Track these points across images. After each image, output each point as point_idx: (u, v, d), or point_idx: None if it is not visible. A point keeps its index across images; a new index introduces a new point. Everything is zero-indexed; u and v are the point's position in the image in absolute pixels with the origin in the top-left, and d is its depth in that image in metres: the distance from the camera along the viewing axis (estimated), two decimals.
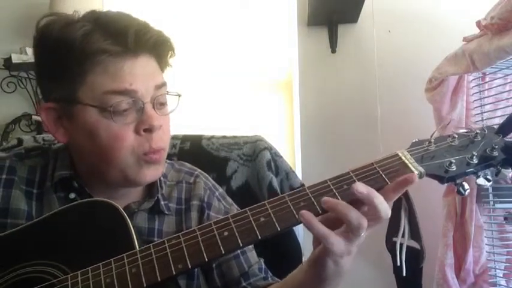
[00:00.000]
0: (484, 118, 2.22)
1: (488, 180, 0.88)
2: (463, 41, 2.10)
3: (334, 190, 0.86)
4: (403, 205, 0.91)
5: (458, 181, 0.88)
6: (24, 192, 1.05)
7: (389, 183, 0.86)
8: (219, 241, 0.85)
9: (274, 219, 0.85)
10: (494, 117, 2.20)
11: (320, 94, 2.77)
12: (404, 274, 0.90)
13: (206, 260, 0.85)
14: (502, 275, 2.15)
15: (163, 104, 1.03)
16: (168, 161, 1.20)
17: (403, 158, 0.89)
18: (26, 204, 1.03)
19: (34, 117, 2.80)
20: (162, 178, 1.13)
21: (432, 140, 0.91)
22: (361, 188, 0.82)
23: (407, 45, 2.74)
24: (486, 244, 2.15)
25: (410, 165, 0.88)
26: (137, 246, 0.90)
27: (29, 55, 2.75)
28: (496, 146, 0.89)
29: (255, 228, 0.85)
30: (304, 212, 0.83)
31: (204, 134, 1.51)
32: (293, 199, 0.86)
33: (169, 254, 0.85)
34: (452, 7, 2.72)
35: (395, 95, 2.70)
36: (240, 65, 2.89)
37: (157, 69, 1.03)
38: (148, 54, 1.00)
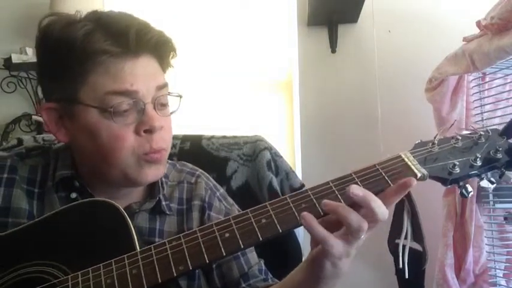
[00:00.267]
0: (484, 118, 2.22)
1: (492, 183, 0.88)
2: (463, 41, 2.10)
3: (336, 192, 0.86)
4: (406, 207, 0.91)
5: (461, 183, 0.88)
6: (26, 191, 1.05)
7: (392, 185, 0.85)
8: (220, 242, 0.85)
9: (275, 221, 0.85)
10: (494, 117, 2.20)
11: (320, 94, 2.77)
12: (407, 276, 0.89)
13: (207, 261, 0.85)
14: (502, 275, 2.15)
15: (164, 105, 1.03)
16: (169, 161, 1.21)
17: (406, 159, 0.89)
18: (27, 203, 1.03)
19: (34, 117, 2.80)
20: (163, 178, 1.13)
21: (435, 142, 0.91)
22: (356, 190, 0.81)
23: (407, 45, 2.73)
24: (486, 244, 2.15)
25: (413, 167, 0.88)
26: (138, 247, 0.90)
27: (29, 55, 2.75)
28: (500, 148, 0.88)
29: (257, 229, 0.85)
30: (305, 213, 0.82)
31: (204, 134, 1.51)
32: (295, 200, 0.86)
33: (170, 255, 0.85)
34: (452, 7, 2.72)
35: (395, 95, 2.69)
36: (240, 65, 2.89)
37: (158, 70, 1.03)
38: (149, 54, 1.00)
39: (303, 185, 1.44)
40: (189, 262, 0.84)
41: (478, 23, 1.97)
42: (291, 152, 2.80)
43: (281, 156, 1.47)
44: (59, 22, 0.97)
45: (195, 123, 2.59)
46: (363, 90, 2.74)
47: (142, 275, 0.84)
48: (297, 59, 2.82)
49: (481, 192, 2.16)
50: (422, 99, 2.36)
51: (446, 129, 0.94)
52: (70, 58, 0.95)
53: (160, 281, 0.83)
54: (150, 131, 0.97)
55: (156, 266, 0.85)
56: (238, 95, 2.88)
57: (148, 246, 0.88)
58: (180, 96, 1.06)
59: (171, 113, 1.06)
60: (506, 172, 0.88)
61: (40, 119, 2.70)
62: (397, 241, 0.93)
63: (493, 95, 2.22)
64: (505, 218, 2.15)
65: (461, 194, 0.87)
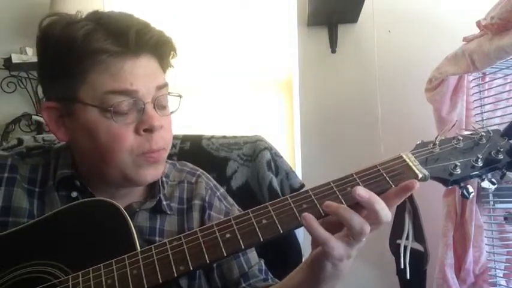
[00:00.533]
0: (484, 118, 2.21)
1: (493, 183, 0.88)
2: (463, 41, 2.10)
3: (337, 192, 0.85)
4: (407, 208, 0.91)
5: (462, 184, 0.88)
6: (26, 190, 1.05)
7: (393, 186, 0.85)
8: (220, 243, 0.85)
9: (276, 222, 0.85)
10: (494, 117, 2.20)
11: (320, 94, 2.77)
12: (408, 277, 0.89)
13: (208, 261, 0.84)
14: (502, 275, 2.15)
15: (164, 105, 1.03)
16: (169, 161, 1.21)
17: (407, 160, 0.89)
18: (27, 202, 1.03)
19: (34, 117, 2.80)
20: (164, 178, 1.14)
21: (437, 142, 0.91)
22: (362, 192, 0.81)
23: (407, 45, 2.73)
24: (486, 244, 2.15)
25: (414, 167, 0.87)
26: (138, 247, 0.90)
27: (29, 55, 2.75)
28: (502, 149, 0.88)
29: (257, 230, 0.85)
30: (305, 214, 0.82)
31: (204, 134, 1.51)
32: (296, 201, 0.86)
33: (170, 256, 0.85)
34: (452, 7, 2.72)
35: (395, 95, 2.69)
36: (240, 65, 2.88)
37: (158, 70, 1.03)
38: (149, 54, 1.00)
39: (303, 185, 1.44)
40: (189, 262, 0.84)
41: (478, 23, 1.96)
42: (291, 152, 2.80)
43: (281, 156, 1.47)
44: (60, 22, 0.98)
45: (195, 123, 2.60)
46: (363, 90, 2.74)
47: (143, 275, 0.84)
48: (297, 59, 2.81)
49: (481, 192, 2.15)
50: (422, 99, 2.36)
51: (448, 130, 0.94)
52: (70, 57, 0.95)
53: (160, 281, 0.83)
54: (149, 131, 0.98)
55: (157, 266, 0.84)
56: (238, 94, 2.88)
57: (148, 247, 0.87)
58: (180, 96, 1.06)
59: (171, 112, 1.06)
60: (508, 173, 0.88)
61: (40, 119, 2.70)
62: (398, 241, 0.93)
63: (493, 95, 2.22)
64: (505, 218, 2.14)
65: (462, 194, 0.87)
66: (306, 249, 1.31)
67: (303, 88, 2.79)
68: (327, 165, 2.65)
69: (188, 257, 0.85)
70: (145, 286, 0.83)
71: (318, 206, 0.84)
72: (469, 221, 2.14)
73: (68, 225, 0.96)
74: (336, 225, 0.84)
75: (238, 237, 0.85)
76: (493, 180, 0.88)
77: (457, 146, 0.91)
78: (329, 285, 0.89)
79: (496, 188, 2.01)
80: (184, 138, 1.48)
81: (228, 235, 0.85)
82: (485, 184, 0.88)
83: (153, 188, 1.11)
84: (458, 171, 0.87)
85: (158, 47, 1.01)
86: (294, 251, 1.36)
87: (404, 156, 0.89)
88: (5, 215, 1.01)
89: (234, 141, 1.48)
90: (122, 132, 0.96)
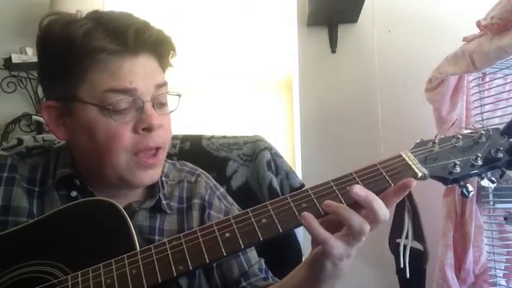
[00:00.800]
0: (484, 118, 2.21)
1: (493, 182, 0.88)
2: (463, 41, 2.10)
3: (336, 191, 0.85)
4: (407, 206, 0.91)
5: (462, 183, 0.88)
6: (26, 190, 1.05)
7: (392, 184, 0.85)
8: (220, 242, 0.85)
9: (276, 221, 0.85)
10: (494, 117, 2.20)
11: (320, 94, 2.76)
12: (408, 276, 0.89)
13: (207, 261, 0.84)
14: (502, 275, 2.15)
15: (163, 104, 1.04)
16: (169, 161, 1.21)
17: (407, 159, 0.89)
18: (27, 202, 1.03)
19: (34, 117, 2.80)
20: (164, 178, 1.14)
21: (436, 141, 0.91)
22: (359, 190, 0.81)
23: (407, 45, 2.73)
24: (486, 244, 2.15)
25: (414, 166, 0.87)
26: (138, 247, 0.89)
27: (29, 55, 2.75)
28: (501, 148, 0.88)
29: (257, 229, 0.85)
30: (305, 213, 0.82)
31: (204, 134, 1.51)
32: (295, 200, 0.86)
33: (170, 255, 0.85)
34: (452, 7, 2.72)
35: (395, 95, 2.69)
36: (240, 65, 2.88)
37: (157, 69, 1.03)
38: (148, 53, 1.00)
39: (303, 185, 1.44)
40: (189, 262, 0.84)
41: (478, 23, 1.96)
42: (291, 152, 2.79)
43: (281, 156, 1.47)
44: (60, 21, 0.98)
45: (195, 123, 2.60)
46: (363, 90, 2.74)
47: (142, 274, 0.84)
48: (297, 59, 2.81)
49: (481, 192, 2.15)
50: (423, 99, 2.36)
51: (447, 129, 0.94)
52: (70, 56, 0.95)
53: (160, 280, 0.83)
54: (148, 130, 0.98)
55: (156, 266, 0.84)
56: (238, 94, 2.87)
57: (148, 246, 0.87)
58: (179, 95, 1.06)
59: (170, 112, 1.06)
60: (507, 171, 0.88)
61: (40, 119, 2.70)
62: (398, 241, 0.92)
63: (493, 95, 2.22)
64: (505, 218, 2.14)
65: (462, 193, 0.87)
66: (306, 249, 1.31)
67: (303, 88, 2.79)
68: (327, 165, 2.65)
69: (187, 257, 0.84)
70: (145, 286, 0.83)
71: (318, 205, 0.84)
72: (469, 221, 2.14)
73: (68, 224, 0.96)
74: (335, 225, 0.84)
75: (238, 236, 0.85)
76: (493, 178, 0.88)
77: (457, 144, 0.91)
78: (329, 285, 0.89)
79: (496, 188, 2.04)
80: (184, 138, 1.48)
81: (227, 234, 0.85)
82: (485, 183, 0.88)
83: (152, 188, 1.11)
84: (458, 169, 0.87)
85: (157, 46, 1.01)
86: (294, 251, 1.36)
87: (404, 155, 0.89)
88: (5, 214, 1.01)
89: (234, 141, 1.48)
90: (119, 130, 0.96)
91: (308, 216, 0.82)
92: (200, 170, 1.23)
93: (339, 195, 0.85)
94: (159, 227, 1.09)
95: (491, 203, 2.17)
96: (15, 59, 2.73)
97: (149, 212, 1.09)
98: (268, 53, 2.90)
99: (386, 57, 2.73)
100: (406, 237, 0.91)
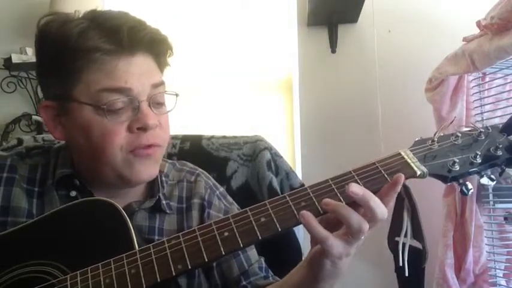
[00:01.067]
0: (484, 118, 2.22)
1: (492, 180, 0.88)
2: (463, 41, 2.10)
3: (335, 190, 0.85)
4: (406, 205, 0.91)
5: (461, 181, 0.88)
6: (25, 190, 1.05)
7: None
8: (219, 241, 0.84)
9: (275, 220, 0.84)
10: (494, 117, 2.20)
11: (320, 94, 2.77)
12: (407, 274, 0.89)
13: (206, 260, 0.84)
14: (502, 275, 2.15)
15: (160, 103, 1.03)
16: (169, 161, 1.21)
17: (406, 157, 0.89)
18: (26, 202, 1.03)
19: (34, 117, 2.80)
20: (163, 178, 1.14)
21: (435, 139, 0.91)
22: (356, 189, 0.81)
23: (407, 45, 2.73)
24: (486, 244, 2.15)
25: (412, 164, 0.87)
26: (137, 247, 0.89)
27: (29, 55, 2.75)
28: (500, 145, 0.88)
29: (256, 228, 0.84)
30: (304, 212, 0.82)
31: (204, 134, 1.50)
32: (294, 199, 0.86)
33: (169, 255, 0.85)
34: (452, 7, 2.72)
35: (395, 95, 2.69)
36: (240, 65, 2.89)
37: (154, 68, 1.03)
38: (144, 52, 1.00)
39: (302, 185, 1.44)
40: (188, 261, 0.84)
41: (478, 23, 1.97)
42: (291, 152, 2.80)
43: (281, 156, 1.47)
44: (57, 20, 0.98)
45: (195, 123, 2.60)
46: (363, 90, 2.74)
47: (141, 274, 0.83)
48: (297, 59, 2.81)
49: (481, 192, 2.16)
50: (423, 99, 2.36)
51: (446, 127, 0.94)
52: (65, 55, 0.95)
53: (159, 280, 0.83)
54: (143, 129, 0.97)
55: (155, 265, 0.84)
56: (238, 94, 2.87)
57: (147, 246, 0.87)
58: (177, 95, 1.06)
59: (168, 111, 1.06)
60: (507, 169, 0.88)
61: (40, 119, 2.70)
62: (397, 239, 0.92)
63: (493, 95, 2.22)
64: (505, 218, 2.15)
65: (461, 191, 0.87)
66: (306, 248, 1.31)
67: (303, 88, 2.79)
68: (326, 165, 2.65)
69: (186, 256, 0.84)
70: (144, 285, 0.83)
71: (317, 203, 0.84)
72: (469, 221, 2.14)
73: (67, 224, 0.95)
74: (334, 223, 0.84)
75: (237, 235, 0.84)
76: (492, 176, 0.88)
77: (456, 142, 0.90)
78: (328, 283, 0.89)
79: (496, 188, 2.04)
80: (184, 138, 1.48)
81: (226, 234, 0.85)
82: (484, 181, 0.88)
83: (152, 188, 1.11)
84: (457, 167, 0.87)
85: (153, 45, 1.01)
86: (293, 249, 1.36)
87: (403, 153, 0.89)
88: (4, 214, 1.01)
89: (234, 141, 1.48)
90: (113, 130, 0.96)
91: (307, 214, 0.82)
92: (200, 169, 1.23)
93: (338, 194, 0.85)
94: (158, 226, 1.09)
95: (491, 203, 2.17)
96: (15, 59, 2.74)
97: (149, 212, 1.09)
98: (268, 53, 2.90)
99: (386, 57, 2.73)
100: (405, 236, 0.91)
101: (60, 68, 0.97)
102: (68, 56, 0.95)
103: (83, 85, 0.96)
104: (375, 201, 0.81)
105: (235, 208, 1.19)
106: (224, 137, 1.49)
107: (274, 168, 1.43)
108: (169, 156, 1.40)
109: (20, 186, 1.04)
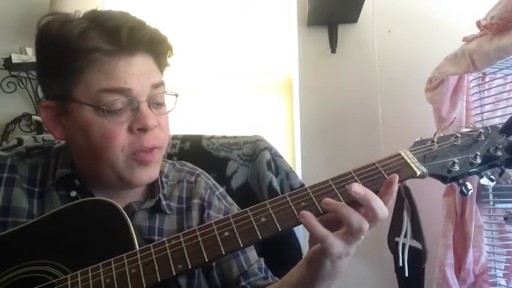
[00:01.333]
0: (484, 118, 2.21)
1: (492, 180, 0.88)
2: (463, 41, 2.10)
3: (335, 190, 0.85)
4: (406, 205, 0.91)
5: (461, 181, 0.88)
6: (26, 190, 1.05)
7: None
8: (219, 241, 0.84)
9: (275, 220, 0.85)
10: (494, 117, 2.20)
11: (320, 94, 2.77)
12: (406, 274, 0.89)
13: (206, 260, 0.84)
14: (502, 275, 2.15)
15: (160, 104, 1.03)
16: (169, 161, 1.21)
17: (406, 157, 0.89)
18: (27, 202, 1.03)
19: (34, 117, 2.80)
20: (164, 178, 1.14)
21: (435, 140, 0.91)
22: (358, 188, 0.81)
23: (407, 45, 2.73)
24: (486, 244, 2.15)
25: (412, 165, 0.88)
26: (137, 246, 0.89)
27: (29, 55, 2.75)
28: (500, 146, 0.88)
29: (256, 228, 0.84)
30: (304, 212, 0.82)
31: (204, 134, 1.50)
32: (294, 199, 0.86)
33: (169, 254, 0.85)
34: (452, 7, 2.72)
35: (395, 95, 2.69)
36: (240, 65, 2.88)
37: (154, 69, 1.03)
38: (144, 53, 1.00)
39: (302, 185, 1.44)
40: (188, 261, 0.84)
41: (478, 23, 1.97)
42: (291, 152, 2.79)
43: (281, 156, 1.47)
44: (57, 21, 0.98)
45: (195, 123, 2.60)
46: (363, 90, 2.74)
47: (142, 274, 0.84)
48: (297, 59, 2.81)
49: (481, 192, 2.15)
50: (423, 99, 2.36)
51: (446, 127, 0.94)
52: (65, 56, 0.95)
53: (159, 280, 0.83)
54: (143, 130, 0.97)
55: (156, 265, 0.84)
56: (238, 95, 2.87)
57: (147, 246, 0.87)
58: (176, 95, 1.06)
59: (168, 111, 1.06)
60: (506, 170, 0.88)
61: (40, 119, 2.70)
62: (397, 239, 0.93)
63: (493, 95, 2.21)
64: (505, 218, 2.14)
65: (461, 191, 0.87)
66: (306, 248, 1.31)
67: (303, 88, 2.79)
68: (327, 165, 2.65)
69: (187, 256, 0.84)
70: (144, 285, 0.83)
71: (317, 203, 0.84)
72: (469, 221, 2.14)
73: (67, 224, 0.96)
74: (334, 223, 0.84)
75: (237, 235, 0.85)
76: (492, 177, 0.88)
77: (456, 143, 0.91)
78: (326, 283, 0.89)
79: (496, 188, 2.04)
80: (184, 138, 1.48)
81: (226, 233, 0.85)
82: (484, 181, 0.88)
83: (152, 188, 1.11)
84: (457, 168, 0.87)
85: (153, 45, 1.01)
86: (293, 249, 1.36)
87: (403, 154, 0.89)
88: (5, 215, 1.01)
89: (234, 141, 1.48)
90: (114, 131, 0.96)
91: (307, 214, 0.82)
92: (200, 170, 1.23)
93: (338, 194, 0.85)
94: (158, 227, 1.09)
95: (491, 203, 2.17)
96: (15, 59, 2.74)
97: (148, 212, 1.09)
98: (268, 53, 2.90)
99: (386, 57, 2.73)
100: (405, 236, 0.91)
101: (60, 68, 0.97)
102: (68, 57, 0.95)
103: (83, 85, 0.96)
104: (376, 201, 0.81)
105: (235, 209, 1.19)
106: (224, 137, 1.49)
107: (274, 168, 1.43)
108: (169, 156, 1.40)
109: (20, 187, 1.04)
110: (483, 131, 0.91)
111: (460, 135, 0.91)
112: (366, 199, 0.81)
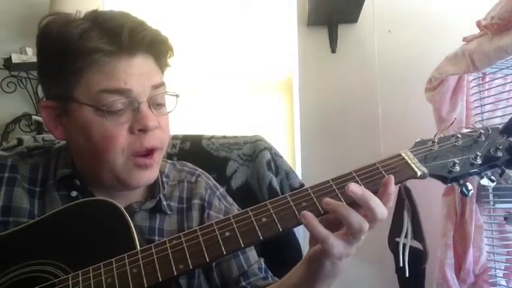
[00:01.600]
0: (484, 118, 2.21)
1: (492, 181, 0.88)
2: (463, 41, 2.10)
3: (336, 190, 0.86)
4: (406, 206, 0.91)
5: (461, 182, 0.88)
6: (27, 190, 1.05)
7: None
8: (220, 241, 0.85)
9: (276, 220, 0.85)
10: (494, 117, 2.20)
11: (320, 94, 2.77)
12: (407, 275, 0.89)
13: (207, 260, 0.84)
14: (502, 275, 2.15)
15: (160, 104, 1.03)
16: (170, 162, 1.21)
17: (406, 158, 0.89)
18: (28, 202, 1.03)
19: (34, 117, 2.80)
20: (164, 178, 1.14)
21: (436, 140, 0.91)
22: (355, 188, 0.81)
23: (407, 45, 2.73)
24: (486, 244, 2.15)
25: (413, 165, 0.88)
26: (138, 246, 0.89)
27: (29, 55, 2.75)
28: (500, 147, 0.89)
29: (257, 228, 0.85)
30: (305, 212, 0.82)
31: (204, 134, 1.50)
32: (295, 199, 0.86)
33: (170, 254, 0.85)
34: (452, 7, 2.72)
35: (395, 95, 2.69)
36: (240, 65, 2.88)
37: (155, 69, 1.03)
38: (144, 53, 1.00)
39: (302, 185, 1.44)
40: (189, 261, 0.84)
41: (478, 23, 1.97)
42: (291, 152, 2.80)
43: (281, 156, 1.47)
44: (58, 21, 0.98)
45: (195, 123, 2.60)
46: (363, 90, 2.74)
47: (143, 273, 0.84)
48: (297, 59, 2.81)
49: (481, 192, 2.16)
50: (423, 99, 2.36)
51: (447, 128, 0.94)
52: (66, 56, 0.96)
53: (160, 279, 0.83)
54: (143, 130, 0.97)
55: (157, 265, 0.84)
56: (238, 95, 2.87)
57: (148, 245, 0.87)
58: (177, 96, 1.06)
59: (169, 112, 1.06)
60: (507, 170, 0.88)
61: (40, 119, 2.70)
62: (397, 240, 0.93)
63: (493, 95, 2.22)
64: (505, 218, 2.15)
65: (462, 192, 0.87)
66: (306, 248, 1.31)
67: (303, 88, 2.79)
68: (327, 165, 2.65)
69: (188, 256, 0.84)
70: (145, 285, 0.83)
71: (317, 204, 0.84)
72: (469, 221, 2.14)
73: (68, 224, 0.96)
74: (335, 224, 0.84)
75: (238, 235, 0.85)
76: (492, 177, 0.88)
77: (456, 143, 0.91)
78: (326, 283, 0.89)
79: (496, 188, 2.04)
80: (184, 138, 1.48)
81: (227, 233, 0.85)
82: (485, 182, 0.88)
83: (153, 188, 1.11)
84: (457, 168, 0.87)
85: (153, 46, 1.01)
86: (294, 250, 1.36)
87: (403, 154, 0.90)
88: (6, 214, 1.01)
89: (234, 141, 1.48)
90: (114, 131, 0.96)
91: (308, 215, 0.82)
92: (200, 170, 1.23)
93: (339, 194, 0.85)
94: (158, 227, 1.09)
95: (491, 203, 2.17)
96: (15, 59, 2.73)
97: (149, 213, 1.09)
98: (268, 53, 2.90)
99: (386, 57, 2.73)
100: (406, 237, 0.92)
101: (61, 69, 0.97)
102: (68, 57, 0.95)
103: (84, 86, 0.96)
104: (374, 201, 0.81)
105: (235, 209, 1.20)
106: (224, 137, 1.49)
107: (274, 168, 1.43)
108: (169, 156, 1.40)
109: (21, 186, 1.04)
110: (483, 131, 0.91)
111: (460, 136, 0.92)
112: (364, 199, 0.81)
